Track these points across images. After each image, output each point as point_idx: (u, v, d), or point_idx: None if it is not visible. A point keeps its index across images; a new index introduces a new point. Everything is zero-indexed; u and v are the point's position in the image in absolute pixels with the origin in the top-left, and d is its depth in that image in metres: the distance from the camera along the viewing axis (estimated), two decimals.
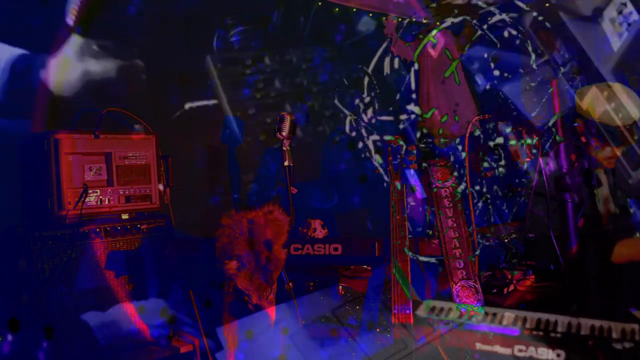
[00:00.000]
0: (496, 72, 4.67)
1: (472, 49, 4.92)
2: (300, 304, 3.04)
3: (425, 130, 4.89)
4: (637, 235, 3.33)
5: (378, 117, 4.95)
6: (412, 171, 3.07)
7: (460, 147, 4.54)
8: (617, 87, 3.35)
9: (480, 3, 4.65)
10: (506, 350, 2.57)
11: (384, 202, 3.00)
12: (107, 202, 3.46)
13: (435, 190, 3.04)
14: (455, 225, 2.99)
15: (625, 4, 4.10)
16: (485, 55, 4.79)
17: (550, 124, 3.75)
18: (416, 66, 4.97)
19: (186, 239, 3.88)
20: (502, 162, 4.12)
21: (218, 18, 4.75)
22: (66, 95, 3.64)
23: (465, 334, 2.67)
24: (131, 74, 3.93)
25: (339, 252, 3.10)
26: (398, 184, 2.91)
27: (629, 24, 4.11)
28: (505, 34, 4.63)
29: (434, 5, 4.76)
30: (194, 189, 4.44)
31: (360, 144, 4.94)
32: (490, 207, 4.12)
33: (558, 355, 2.48)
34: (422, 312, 2.81)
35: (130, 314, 3.30)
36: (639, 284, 3.06)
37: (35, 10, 3.54)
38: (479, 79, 4.89)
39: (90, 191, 3.38)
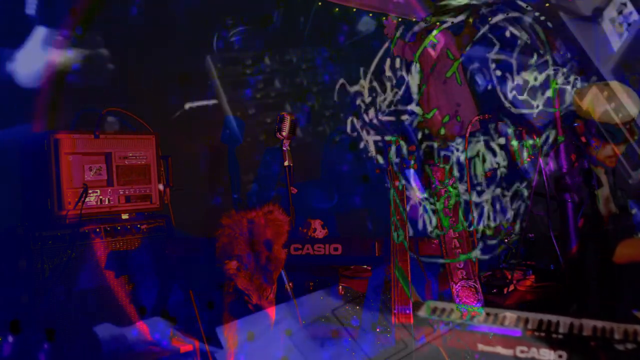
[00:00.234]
0: (497, 72, 4.67)
1: (472, 49, 4.92)
2: (300, 304, 3.04)
3: (426, 131, 4.89)
4: (638, 235, 3.33)
5: (379, 118, 4.95)
6: (412, 171, 3.06)
7: (459, 148, 4.54)
8: (616, 86, 3.34)
9: (480, 3, 4.65)
10: (508, 352, 2.56)
11: (384, 202, 2.99)
12: (107, 202, 3.46)
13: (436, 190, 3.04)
14: (455, 225, 2.98)
15: (625, 4, 4.10)
16: (486, 55, 4.79)
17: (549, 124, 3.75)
18: (417, 66, 4.97)
19: (186, 239, 3.88)
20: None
21: (218, 18, 4.75)
22: (33, 88, 3.59)
23: (467, 335, 2.67)
24: (97, 63, 3.88)
25: (339, 252, 3.10)
26: (398, 184, 2.91)
27: (629, 24, 4.11)
28: (507, 33, 4.63)
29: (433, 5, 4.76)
30: (194, 189, 4.44)
31: (362, 144, 4.94)
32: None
33: (560, 357, 2.47)
34: (423, 313, 2.81)
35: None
36: (639, 284, 3.06)
37: None
38: (479, 79, 4.89)
39: (90, 191, 3.38)
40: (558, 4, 4.37)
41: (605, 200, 3.38)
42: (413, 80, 5.04)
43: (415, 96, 4.97)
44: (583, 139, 3.35)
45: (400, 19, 5.14)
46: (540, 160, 3.39)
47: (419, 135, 4.84)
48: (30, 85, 3.53)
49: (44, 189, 3.29)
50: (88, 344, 3.14)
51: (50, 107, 3.65)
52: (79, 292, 3.20)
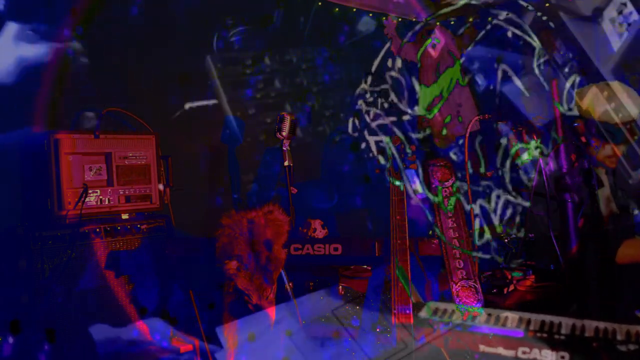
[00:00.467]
0: (497, 72, 4.67)
1: (472, 48, 4.93)
2: (300, 304, 3.04)
3: (426, 131, 4.90)
4: (637, 236, 3.32)
5: (380, 118, 4.96)
6: (412, 171, 3.06)
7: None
8: (616, 86, 3.34)
9: (480, 3, 4.65)
10: (510, 353, 2.55)
11: (384, 202, 3.00)
12: (107, 202, 3.46)
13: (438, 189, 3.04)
14: (455, 225, 2.99)
15: (625, 4, 4.10)
16: (486, 55, 4.79)
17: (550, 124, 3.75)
18: (419, 66, 4.97)
19: (186, 239, 3.88)
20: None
21: (218, 18, 4.75)
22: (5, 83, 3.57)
23: (468, 335, 2.67)
24: (69, 57, 3.85)
25: (339, 252, 3.10)
26: (398, 184, 2.90)
27: (629, 24, 4.11)
28: (508, 34, 4.63)
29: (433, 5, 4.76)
30: (194, 189, 4.44)
31: (363, 145, 4.94)
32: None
33: (562, 358, 2.47)
34: (425, 314, 2.80)
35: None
36: (639, 284, 3.06)
37: None
38: (479, 79, 4.89)
39: (90, 191, 3.38)
40: (558, 4, 4.37)
41: (606, 200, 3.38)
42: (414, 80, 5.04)
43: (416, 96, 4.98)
44: (583, 139, 3.35)
45: (400, 19, 5.15)
46: (540, 160, 3.39)
47: (420, 135, 4.85)
48: (3, 81, 3.50)
49: (44, 189, 3.28)
50: (88, 344, 3.14)
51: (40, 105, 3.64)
52: (79, 292, 3.20)
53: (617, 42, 4.20)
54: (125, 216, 3.53)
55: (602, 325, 2.56)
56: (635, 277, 3.08)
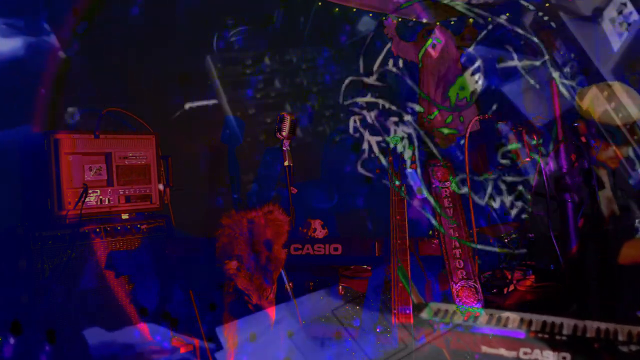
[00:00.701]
0: (497, 72, 4.68)
1: (472, 48, 4.93)
2: (300, 304, 3.04)
3: (427, 131, 4.90)
4: (637, 236, 3.32)
5: (381, 118, 4.96)
6: (412, 171, 3.06)
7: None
8: (617, 87, 3.34)
9: (480, 3, 4.65)
10: (511, 353, 2.55)
11: (384, 202, 3.00)
12: (107, 202, 3.46)
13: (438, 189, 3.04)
14: (455, 225, 2.99)
15: (625, 4, 4.10)
16: (486, 55, 4.79)
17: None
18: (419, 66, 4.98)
19: (186, 239, 3.88)
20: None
21: (219, 18, 4.75)
22: None
23: (470, 336, 2.66)
24: (45, 51, 3.82)
25: (339, 252, 3.10)
26: (399, 184, 2.90)
27: (629, 24, 4.11)
28: (507, 34, 4.63)
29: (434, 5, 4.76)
30: (194, 189, 4.44)
31: (364, 145, 4.94)
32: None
33: (564, 358, 2.46)
34: (426, 314, 2.80)
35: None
36: (639, 284, 3.06)
37: None
38: (479, 79, 4.89)
39: (90, 191, 3.37)
40: (558, 4, 4.38)
41: (607, 201, 3.38)
42: (414, 80, 5.04)
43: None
44: (583, 139, 3.35)
45: (400, 19, 5.15)
46: (541, 160, 3.38)
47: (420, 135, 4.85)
48: None
49: (44, 189, 3.28)
50: (88, 344, 3.14)
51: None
52: (79, 292, 3.20)
53: (617, 42, 4.20)
54: (125, 216, 3.53)
55: (603, 326, 2.55)
56: (636, 278, 3.08)
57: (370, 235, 5.10)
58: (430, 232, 3.36)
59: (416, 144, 4.74)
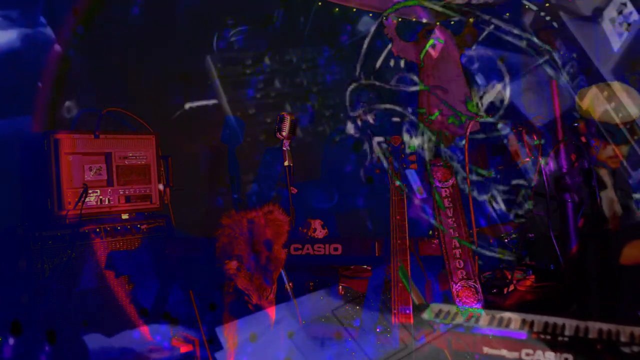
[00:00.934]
0: (497, 72, 4.67)
1: (471, 48, 4.92)
2: (300, 304, 3.04)
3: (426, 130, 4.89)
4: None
5: (381, 118, 4.95)
6: (412, 171, 3.06)
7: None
8: (617, 86, 3.34)
9: (480, 3, 4.65)
10: (513, 355, 2.54)
11: (384, 202, 3.00)
12: (107, 202, 3.46)
13: (435, 189, 3.04)
14: (455, 225, 2.99)
15: (625, 4, 4.10)
16: (486, 55, 4.79)
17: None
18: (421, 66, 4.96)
19: (186, 239, 3.88)
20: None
21: (219, 18, 4.75)
22: None
23: (471, 337, 2.66)
24: (41, 43, 3.81)
25: (339, 252, 3.10)
26: (399, 184, 2.90)
27: (629, 24, 4.11)
28: (507, 34, 4.63)
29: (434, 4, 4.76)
30: (194, 189, 4.44)
31: (365, 145, 4.94)
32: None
33: (565, 359, 2.46)
34: (427, 315, 2.80)
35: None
36: (639, 284, 3.06)
37: None
38: (479, 79, 4.89)
39: (90, 191, 3.38)
40: (558, 4, 4.37)
41: (609, 202, 3.37)
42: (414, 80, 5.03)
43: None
44: (583, 139, 3.35)
45: (400, 19, 5.14)
46: (541, 160, 3.38)
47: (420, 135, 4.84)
48: None
49: (44, 189, 3.29)
50: (88, 344, 3.14)
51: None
52: (79, 292, 3.20)
53: (617, 42, 4.20)
54: (125, 216, 3.53)
55: (605, 326, 2.54)
56: (637, 278, 3.08)
57: (370, 235, 5.09)
58: (430, 232, 3.37)
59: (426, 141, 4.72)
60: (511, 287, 3.37)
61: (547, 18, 4.38)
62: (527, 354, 2.51)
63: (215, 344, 2.91)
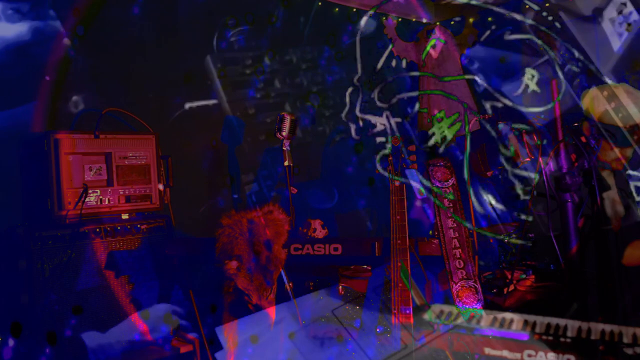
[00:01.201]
0: (497, 72, 4.67)
1: (472, 48, 4.92)
2: (300, 304, 3.04)
3: (427, 130, 4.89)
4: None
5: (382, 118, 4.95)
6: (412, 171, 3.06)
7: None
8: (617, 87, 3.34)
9: (480, 3, 4.64)
10: (515, 355, 2.54)
11: (384, 202, 3.00)
12: (107, 202, 3.46)
13: (435, 189, 3.04)
14: (455, 225, 2.99)
15: (625, 4, 4.10)
16: (486, 55, 4.79)
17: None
18: (423, 66, 4.97)
19: (186, 239, 3.88)
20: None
21: (220, 18, 4.75)
22: None
23: (473, 338, 2.66)
24: (50, 37, 3.80)
25: (339, 252, 3.10)
26: (398, 184, 2.90)
27: (630, 24, 4.11)
28: (506, 33, 4.63)
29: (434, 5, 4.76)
30: (194, 189, 4.44)
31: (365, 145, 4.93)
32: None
33: None
34: (428, 316, 2.80)
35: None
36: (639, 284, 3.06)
37: None
38: (479, 79, 4.89)
39: (90, 191, 3.38)
40: (558, 4, 4.37)
41: (612, 202, 3.38)
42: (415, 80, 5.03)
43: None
44: (583, 139, 3.35)
45: (400, 19, 5.15)
46: (541, 160, 3.39)
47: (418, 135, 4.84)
48: None
49: (44, 189, 3.28)
50: (88, 345, 3.14)
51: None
52: (79, 292, 3.20)
53: (617, 42, 4.20)
54: (125, 216, 3.53)
55: (608, 327, 2.54)
56: (634, 277, 3.08)
57: (370, 235, 5.10)
58: (431, 232, 3.37)
59: (417, 144, 4.72)
60: (511, 287, 3.37)
61: (550, 18, 4.38)
62: (530, 355, 2.51)
63: (216, 344, 2.91)
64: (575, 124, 3.41)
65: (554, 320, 2.65)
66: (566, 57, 4.33)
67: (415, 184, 3.33)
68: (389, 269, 2.90)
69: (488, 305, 2.93)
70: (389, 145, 2.97)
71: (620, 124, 3.30)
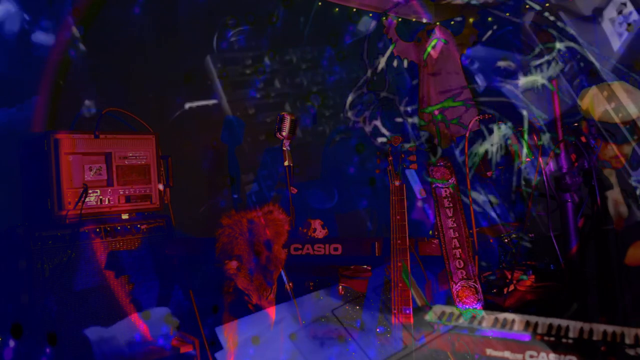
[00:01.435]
0: (497, 72, 4.67)
1: (472, 48, 4.93)
2: (300, 304, 3.04)
3: (427, 130, 4.90)
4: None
5: (385, 119, 4.96)
6: (412, 171, 3.06)
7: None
8: (617, 86, 3.34)
9: (480, 3, 4.65)
10: (517, 356, 2.54)
11: (384, 202, 2.99)
12: (107, 202, 3.46)
13: (435, 189, 3.04)
14: (455, 225, 2.99)
15: (625, 4, 4.10)
16: (486, 55, 4.79)
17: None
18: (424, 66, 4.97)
19: (186, 239, 3.88)
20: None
21: (220, 18, 4.75)
22: None
23: (475, 339, 2.65)
24: (51, 37, 3.79)
25: (339, 252, 3.10)
26: (398, 184, 2.90)
27: (630, 24, 4.11)
28: (507, 34, 4.63)
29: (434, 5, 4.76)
30: (194, 189, 4.44)
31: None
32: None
33: None
34: (430, 317, 2.79)
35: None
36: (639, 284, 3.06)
37: None
38: (479, 79, 4.89)
39: (90, 191, 3.38)
40: (558, 4, 4.37)
41: (614, 202, 3.37)
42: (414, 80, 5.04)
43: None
44: (583, 139, 3.35)
45: (400, 19, 5.15)
46: (541, 160, 3.38)
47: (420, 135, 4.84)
48: None
49: (44, 189, 3.28)
50: (88, 345, 3.14)
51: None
52: (79, 292, 3.20)
53: (617, 42, 4.20)
54: (125, 216, 3.53)
55: (610, 328, 2.53)
56: (634, 277, 3.08)
57: (370, 235, 5.10)
58: (431, 232, 3.37)
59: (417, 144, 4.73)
60: (511, 287, 3.37)
61: (552, 18, 4.38)
62: (531, 356, 2.50)
63: (216, 344, 2.91)
64: (575, 124, 3.41)
65: (556, 321, 2.64)
66: (566, 57, 4.33)
67: (415, 184, 3.34)
68: (389, 269, 2.89)
69: (488, 306, 2.92)
70: (388, 146, 2.97)
71: (619, 122, 3.30)
